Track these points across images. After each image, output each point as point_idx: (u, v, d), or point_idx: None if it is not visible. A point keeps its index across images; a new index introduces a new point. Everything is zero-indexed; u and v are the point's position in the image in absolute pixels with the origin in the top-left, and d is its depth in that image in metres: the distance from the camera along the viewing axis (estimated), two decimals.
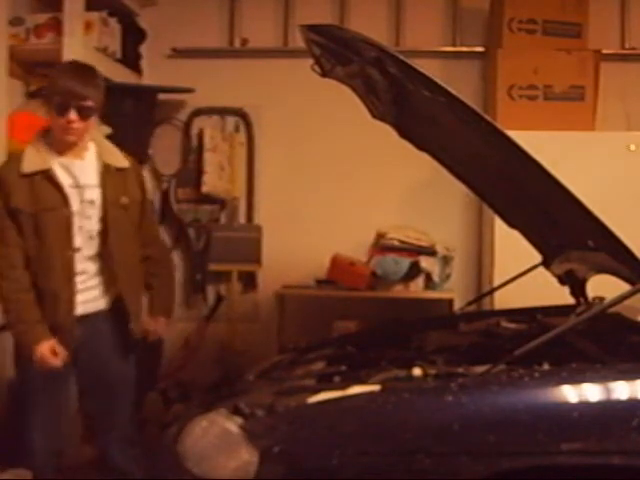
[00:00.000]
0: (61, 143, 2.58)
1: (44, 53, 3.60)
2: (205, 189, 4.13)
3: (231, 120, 4.31)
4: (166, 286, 2.88)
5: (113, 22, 3.83)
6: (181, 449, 1.86)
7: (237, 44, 4.29)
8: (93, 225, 2.61)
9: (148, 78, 4.24)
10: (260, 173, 4.31)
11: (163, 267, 2.87)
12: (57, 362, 2.52)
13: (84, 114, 2.52)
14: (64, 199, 2.56)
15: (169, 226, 4.25)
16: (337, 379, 2.19)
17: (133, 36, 4.08)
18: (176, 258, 4.28)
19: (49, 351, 2.51)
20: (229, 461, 1.81)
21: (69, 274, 2.58)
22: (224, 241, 4.15)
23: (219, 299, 4.26)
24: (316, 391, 1.97)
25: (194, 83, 4.12)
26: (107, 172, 2.66)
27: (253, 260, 4.16)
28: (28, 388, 2.65)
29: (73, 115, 2.50)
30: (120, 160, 2.73)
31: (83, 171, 2.62)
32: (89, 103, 2.51)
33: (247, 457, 1.79)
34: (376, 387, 1.94)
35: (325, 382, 2.18)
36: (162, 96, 4.17)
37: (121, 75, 3.94)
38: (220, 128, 4.29)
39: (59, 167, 2.58)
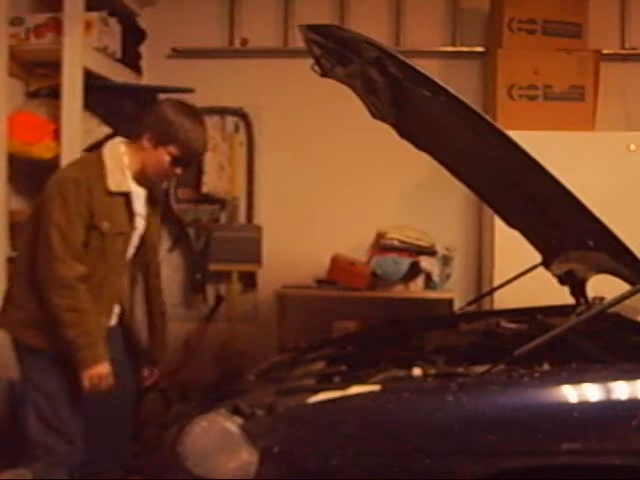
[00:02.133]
0: (144, 176, 2.56)
1: (44, 53, 3.59)
2: (205, 189, 4.13)
3: (231, 120, 4.31)
4: (165, 333, 2.86)
5: (113, 22, 3.82)
6: (181, 449, 1.86)
7: (237, 44, 4.29)
8: (131, 251, 2.64)
9: (148, 78, 4.23)
10: (260, 173, 4.31)
11: (164, 304, 2.85)
12: (111, 383, 2.45)
13: (183, 164, 2.54)
14: (132, 226, 2.56)
15: (169, 226, 4.24)
16: (337, 379, 2.19)
17: (133, 36, 4.08)
18: (176, 258, 4.28)
19: (107, 373, 2.44)
20: (229, 461, 1.81)
21: (115, 298, 2.61)
22: (224, 241, 4.15)
23: (219, 299, 4.27)
24: (316, 391, 1.97)
25: (194, 83, 4.11)
26: (151, 204, 2.68)
27: (253, 260, 4.16)
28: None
29: (182, 171, 2.55)
30: (160, 195, 2.80)
31: (141, 200, 2.62)
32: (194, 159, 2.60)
33: (247, 457, 1.79)
34: (376, 387, 1.94)
35: (325, 382, 2.18)
36: (162, 96, 4.15)
37: (121, 75, 3.94)
38: (220, 128, 4.29)
39: (134, 193, 2.56)
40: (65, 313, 2.41)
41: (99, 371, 2.42)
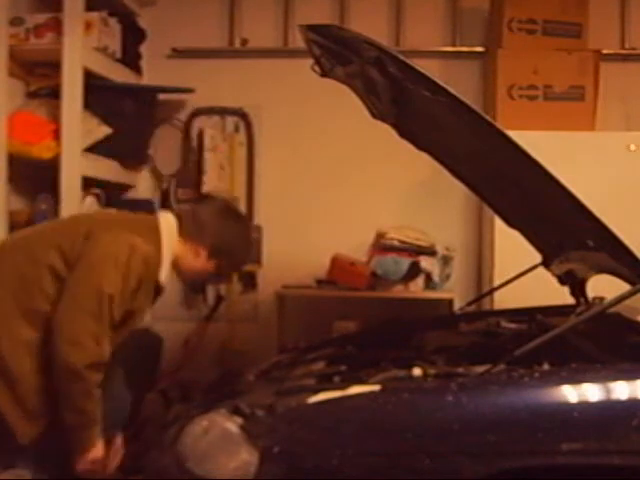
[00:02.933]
0: (176, 273, 2.49)
1: (44, 53, 3.59)
2: (205, 189, 4.13)
3: (231, 120, 4.31)
4: None
5: (113, 22, 3.82)
6: (181, 449, 1.86)
7: (237, 44, 4.29)
8: None
9: (148, 78, 4.23)
10: (260, 173, 4.31)
11: None
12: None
13: (222, 278, 2.56)
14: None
15: None
16: (337, 379, 2.19)
17: (133, 36, 4.08)
18: None
19: (102, 454, 2.30)
20: (229, 461, 1.81)
21: None
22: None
23: (219, 299, 4.26)
24: (316, 391, 1.96)
25: (194, 83, 4.12)
26: None
27: (253, 260, 4.15)
28: None
29: (214, 265, 2.48)
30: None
31: None
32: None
33: (247, 457, 1.79)
34: (376, 387, 1.94)
35: (325, 382, 2.17)
36: (162, 96, 4.17)
37: (121, 75, 3.94)
38: (220, 128, 4.29)
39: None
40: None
41: (94, 455, 2.27)
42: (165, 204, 4.22)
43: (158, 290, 2.46)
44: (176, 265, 2.46)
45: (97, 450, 2.30)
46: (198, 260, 2.47)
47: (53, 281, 2.27)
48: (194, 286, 2.45)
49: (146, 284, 2.32)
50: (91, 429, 2.27)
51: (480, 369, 1.99)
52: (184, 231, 2.46)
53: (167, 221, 2.47)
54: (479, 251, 4.15)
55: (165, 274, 2.39)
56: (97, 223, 2.44)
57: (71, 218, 2.93)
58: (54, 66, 3.52)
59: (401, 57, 1.96)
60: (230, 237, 2.45)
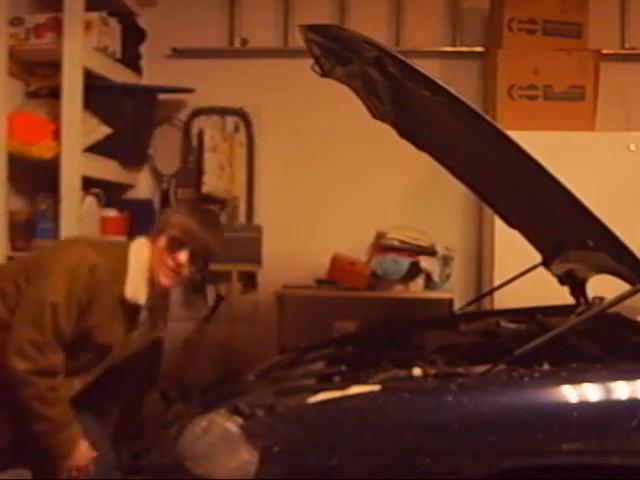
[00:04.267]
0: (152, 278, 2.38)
1: (44, 53, 3.59)
2: (205, 189, 4.13)
3: (231, 120, 4.31)
4: None
5: (113, 22, 3.82)
6: (181, 449, 1.86)
7: (237, 44, 4.29)
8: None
9: (148, 78, 4.23)
10: (260, 173, 4.30)
11: None
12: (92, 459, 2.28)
13: (197, 268, 2.39)
14: (127, 336, 2.41)
15: None
16: (337, 379, 2.19)
17: (133, 36, 4.08)
18: None
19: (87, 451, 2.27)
20: (229, 461, 1.81)
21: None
22: (224, 241, 4.15)
23: (219, 299, 4.26)
24: (316, 391, 1.97)
25: (194, 83, 4.12)
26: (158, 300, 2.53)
27: (253, 260, 4.16)
28: None
29: (184, 257, 2.36)
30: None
31: (145, 308, 2.47)
32: (208, 263, 2.42)
33: (247, 457, 1.79)
34: (376, 387, 1.94)
35: (325, 382, 2.17)
36: (162, 96, 4.17)
37: (121, 75, 3.94)
38: (220, 128, 4.29)
39: (143, 305, 2.40)
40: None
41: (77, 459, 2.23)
42: (165, 204, 4.23)
43: (135, 309, 2.39)
44: (154, 276, 2.39)
45: (79, 453, 2.27)
46: (162, 256, 2.38)
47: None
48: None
49: (100, 298, 2.26)
50: (61, 433, 2.22)
51: (480, 369, 1.99)
52: (150, 237, 2.43)
53: (140, 241, 2.44)
54: (479, 251, 4.15)
55: (135, 290, 2.33)
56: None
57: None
58: (54, 66, 3.52)
59: (401, 57, 1.96)
60: (189, 225, 2.37)
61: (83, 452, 2.28)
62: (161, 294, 2.52)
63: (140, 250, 2.39)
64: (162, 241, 2.38)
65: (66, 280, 2.20)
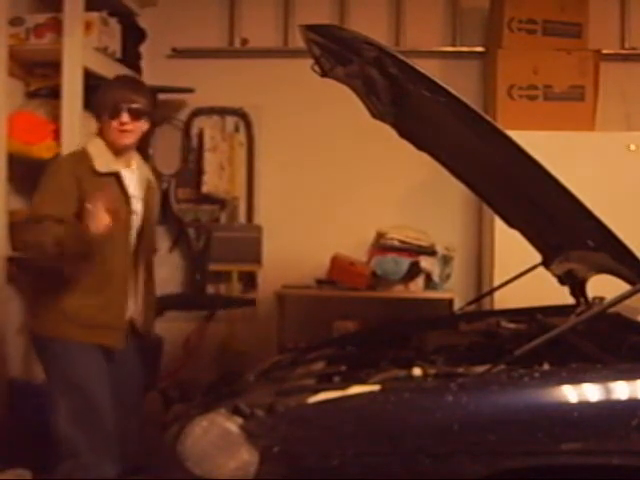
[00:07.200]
0: (115, 149, 2.66)
1: (44, 53, 3.59)
2: (205, 189, 4.13)
3: (231, 120, 4.31)
4: (153, 309, 2.89)
5: (113, 22, 3.82)
6: (181, 449, 1.86)
7: (237, 44, 4.30)
8: (133, 236, 2.68)
9: (148, 78, 4.21)
10: (260, 173, 4.31)
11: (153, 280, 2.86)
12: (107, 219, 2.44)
13: (135, 115, 2.63)
14: (128, 204, 2.63)
15: (169, 226, 4.24)
16: (337, 379, 2.19)
17: (133, 36, 4.08)
18: (176, 258, 4.29)
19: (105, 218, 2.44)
20: (229, 461, 1.81)
21: (126, 281, 2.64)
22: (224, 241, 4.15)
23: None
24: (316, 391, 1.97)
25: (194, 83, 4.12)
26: (147, 187, 2.77)
27: (253, 260, 4.16)
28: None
29: (125, 117, 2.61)
30: (150, 175, 2.85)
31: (132, 181, 2.69)
32: (139, 105, 2.64)
33: (247, 457, 1.79)
34: (376, 387, 1.94)
35: (325, 382, 2.18)
36: (162, 96, 4.16)
37: None
38: (220, 128, 4.29)
39: (123, 173, 2.66)
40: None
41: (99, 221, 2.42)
42: (165, 204, 4.22)
43: (120, 182, 2.63)
44: (116, 150, 2.67)
45: (97, 219, 2.42)
46: (105, 122, 2.66)
47: None
48: (120, 139, 2.66)
49: (83, 174, 2.58)
50: (69, 230, 2.45)
51: (480, 369, 1.99)
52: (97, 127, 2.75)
53: (90, 136, 2.80)
54: (479, 251, 4.15)
55: (104, 161, 2.62)
56: None
57: None
58: (54, 66, 3.52)
59: (401, 57, 1.96)
60: (114, 91, 2.69)
61: (99, 219, 2.43)
62: (146, 187, 2.77)
63: (91, 137, 2.74)
64: (104, 117, 2.67)
65: (47, 177, 2.62)
